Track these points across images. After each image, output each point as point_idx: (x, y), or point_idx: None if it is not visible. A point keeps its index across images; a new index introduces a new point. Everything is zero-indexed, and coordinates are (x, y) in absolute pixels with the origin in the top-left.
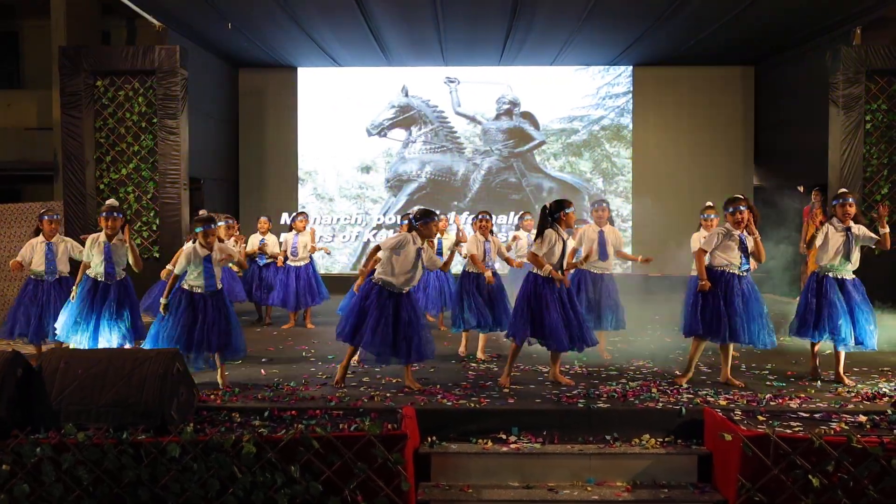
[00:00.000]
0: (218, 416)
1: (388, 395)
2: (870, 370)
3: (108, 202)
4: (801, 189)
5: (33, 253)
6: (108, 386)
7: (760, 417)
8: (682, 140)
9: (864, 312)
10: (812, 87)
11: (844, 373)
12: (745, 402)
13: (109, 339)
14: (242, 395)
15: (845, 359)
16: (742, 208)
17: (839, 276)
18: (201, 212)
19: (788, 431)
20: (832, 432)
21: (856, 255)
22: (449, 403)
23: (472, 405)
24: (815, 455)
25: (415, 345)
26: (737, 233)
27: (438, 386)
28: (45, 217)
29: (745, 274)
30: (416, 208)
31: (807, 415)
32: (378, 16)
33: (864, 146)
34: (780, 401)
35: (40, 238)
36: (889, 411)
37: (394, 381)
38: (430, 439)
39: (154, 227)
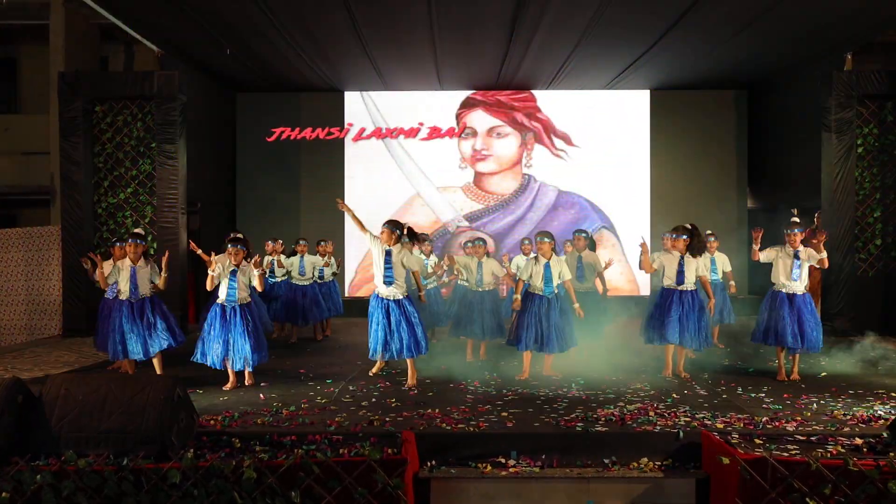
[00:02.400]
0: (218, 441)
1: (387, 419)
2: (865, 393)
3: (134, 230)
4: (795, 212)
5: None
6: (108, 412)
7: (757, 440)
8: (676, 163)
9: (810, 323)
10: (804, 111)
11: (840, 396)
12: (742, 425)
13: (153, 346)
14: (242, 421)
15: (841, 380)
16: (680, 235)
17: (790, 293)
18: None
19: (785, 454)
20: (829, 455)
21: (804, 274)
22: (448, 427)
23: (471, 429)
24: (812, 478)
25: (406, 343)
26: (675, 254)
27: (437, 410)
28: (130, 241)
29: (682, 288)
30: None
31: (803, 438)
32: (375, 42)
33: (857, 170)
34: (777, 424)
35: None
36: (885, 434)
37: (393, 404)
38: (429, 464)
39: (152, 252)
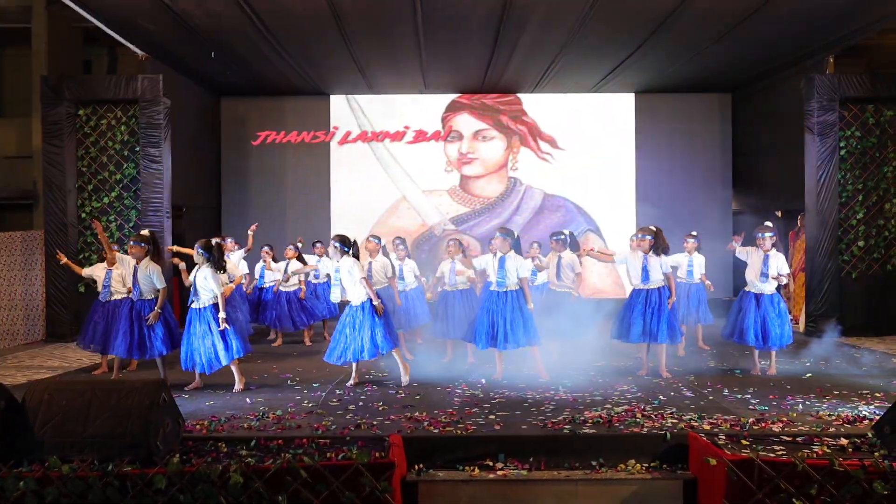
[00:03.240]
0: (204, 446)
1: (374, 422)
2: (850, 393)
3: (140, 232)
4: (779, 214)
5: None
6: (92, 417)
7: (744, 441)
8: (662, 166)
9: (775, 321)
10: (788, 113)
11: (825, 396)
12: (728, 426)
13: (152, 349)
14: (228, 425)
15: (826, 380)
16: (644, 236)
17: (758, 293)
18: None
19: (772, 455)
20: (815, 455)
21: (772, 276)
22: (436, 431)
23: (459, 432)
24: (798, 478)
25: (360, 346)
26: (640, 254)
27: (425, 413)
28: (132, 242)
29: (647, 287)
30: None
31: (789, 438)
32: (361, 45)
33: (839, 172)
34: (763, 424)
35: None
36: (870, 434)
37: (380, 407)
38: (417, 467)
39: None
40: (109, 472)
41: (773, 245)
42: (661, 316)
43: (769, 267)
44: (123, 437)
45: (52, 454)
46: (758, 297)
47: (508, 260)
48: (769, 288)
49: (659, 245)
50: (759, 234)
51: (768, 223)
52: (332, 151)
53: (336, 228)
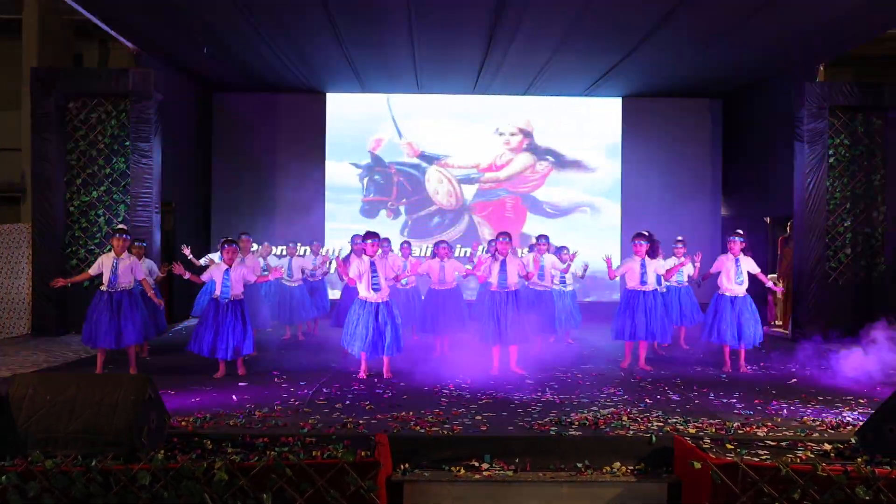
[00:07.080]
0: (189, 442)
1: (360, 421)
2: (834, 399)
3: (119, 226)
4: (767, 221)
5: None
6: (77, 412)
7: (729, 445)
8: (652, 171)
9: (749, 321)
10: (777, 120)
11: (809, 402)
12: (713, 430)
13: (125, 338)
14: (214, 422)
15: (810, 386)
16: (640, 242)
17: (732, 295)
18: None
19: (756, 459)
20: (798, 460)
21: (744, 278)
22: (422, 430)
23: (445, 432)
24: (782, 483)
25: (389, 342)
26: (637, 259)
27: (411, 413)
28: (117, 235)
29: (645, 289)
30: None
31: (774, 443)
32: (353, 43)
33: (828, 179)
34: (748, 429)
35: (111, 254)
36: (853, 440)
37: (367, 406)
38: (402, 467)
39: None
40: (93, 468)
41: (742, 250)
42: (660, 315)
43: (741, 269)
44: (108, 433)
45: (36, 449)
46: (732, 300)
47: (510, 261)
48: (741, 290)
49: (652, 249)
50: (731, 239)
51: (739, 231)
52: (324, 149)
53: (329, 227)
